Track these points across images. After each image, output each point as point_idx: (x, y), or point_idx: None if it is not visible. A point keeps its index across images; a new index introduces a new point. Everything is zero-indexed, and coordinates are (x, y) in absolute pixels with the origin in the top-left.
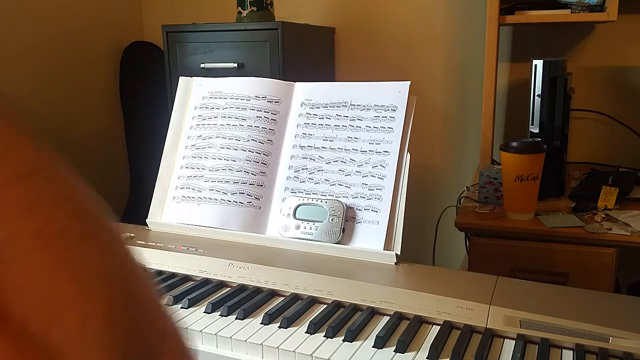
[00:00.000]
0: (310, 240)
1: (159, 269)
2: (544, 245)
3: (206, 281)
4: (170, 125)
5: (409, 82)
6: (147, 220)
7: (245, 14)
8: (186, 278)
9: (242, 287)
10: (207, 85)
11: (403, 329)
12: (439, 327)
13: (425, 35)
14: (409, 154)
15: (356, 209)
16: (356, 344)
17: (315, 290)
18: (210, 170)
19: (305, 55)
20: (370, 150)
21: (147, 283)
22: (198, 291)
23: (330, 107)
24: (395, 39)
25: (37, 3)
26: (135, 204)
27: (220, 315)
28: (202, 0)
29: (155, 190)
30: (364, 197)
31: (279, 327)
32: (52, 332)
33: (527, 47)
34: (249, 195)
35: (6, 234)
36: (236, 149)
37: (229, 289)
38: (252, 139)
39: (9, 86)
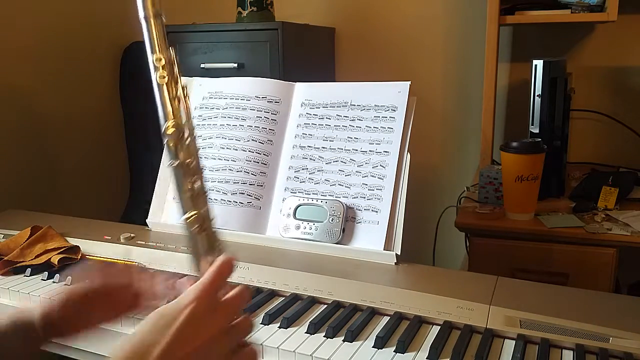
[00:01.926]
0: (310, 240)
1: (159, 269)
2: (544, 246)
3: None
4: None
5: (409, 82)
6: (147, 220)
7: (245, 14)
8: None
9: None
10: (207, 85)
11: (403, 329)
12: (439, 327)
13: (425, 35)
14: (409, 154)
15: (356, 209)
16: (356, 344)
17: (315, 291)
18: (210, 170)
19: (305, 55)
20: (370, 151)
21: None
22: None
23: (330, 107)
24: (395, 39)
25: (37, 3)
26: (135, 204)
27: None
28: (202, 0)
29: (155, 191)
30: (364, 197)
31: (279, 327)
32: None
33: (527, 47)
34: (249, 195)
35: None
36: (236, 149)
37: None
38: (252, 139)
39: (9, 86)
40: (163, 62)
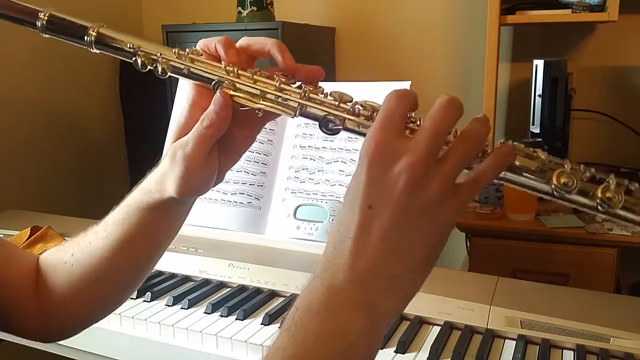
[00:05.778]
0: (311, 240)
1: (159, 269)
2: (545, 246)
3: (206, 282)
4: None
5: (409, 82)
6: None
7: (245, 14)
8: (186, 278)
9: (242, 288)
10: None
11: (403, 330)
12: (440, 327)
13: (426, 35)
14: None
15: None
16: None
17: None
18: None
19: (305, 55)
20: None
21: None
22: (198, 292)
23: None
24: (395, 39)
25: (37, 3)
26: None
27: (220, 315)
28: (202, 0)
29: None
30: None
31: (279, 327)
32: None
33: (528, 47)
34: (249, 195)
35: None
36: None
37: (229, 289)
38: None
39: (9, 86)
40: None
